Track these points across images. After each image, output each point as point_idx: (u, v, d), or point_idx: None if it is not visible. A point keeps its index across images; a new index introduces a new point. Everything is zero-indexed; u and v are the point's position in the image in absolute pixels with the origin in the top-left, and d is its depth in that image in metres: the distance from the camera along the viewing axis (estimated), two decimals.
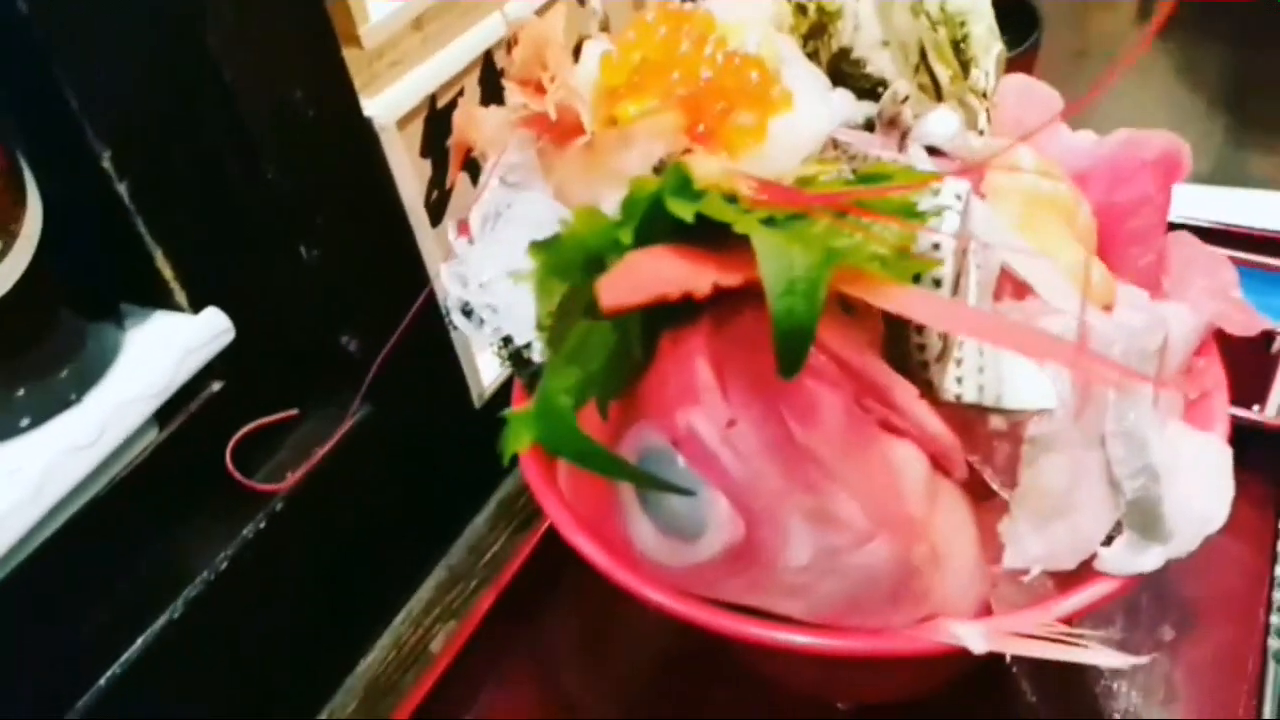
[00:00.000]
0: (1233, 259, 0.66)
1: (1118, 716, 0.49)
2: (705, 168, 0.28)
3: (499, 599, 0.56)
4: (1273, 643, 0.50)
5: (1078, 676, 0.51)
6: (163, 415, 0.45)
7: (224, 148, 0.44)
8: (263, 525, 0.49)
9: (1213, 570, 0.54)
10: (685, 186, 0.26)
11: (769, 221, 0.28)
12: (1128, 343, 0.37)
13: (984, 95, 0.44)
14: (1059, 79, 0.46)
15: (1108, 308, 0.38)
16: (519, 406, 0.38)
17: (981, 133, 0.43)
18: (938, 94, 0.43)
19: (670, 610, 0.37)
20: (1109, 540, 0.37)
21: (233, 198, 0.45)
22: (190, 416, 0.46)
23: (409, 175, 0.51)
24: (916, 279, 0.35)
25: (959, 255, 0.35)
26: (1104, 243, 0.41)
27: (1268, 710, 0.48)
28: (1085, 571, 0.37)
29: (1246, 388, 0.57)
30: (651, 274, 0.24)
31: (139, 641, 0.44)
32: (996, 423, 0.35)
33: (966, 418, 0.36)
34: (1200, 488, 0.37)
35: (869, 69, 0.43)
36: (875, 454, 0.32)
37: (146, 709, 0.44)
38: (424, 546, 0.61)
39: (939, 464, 0.35)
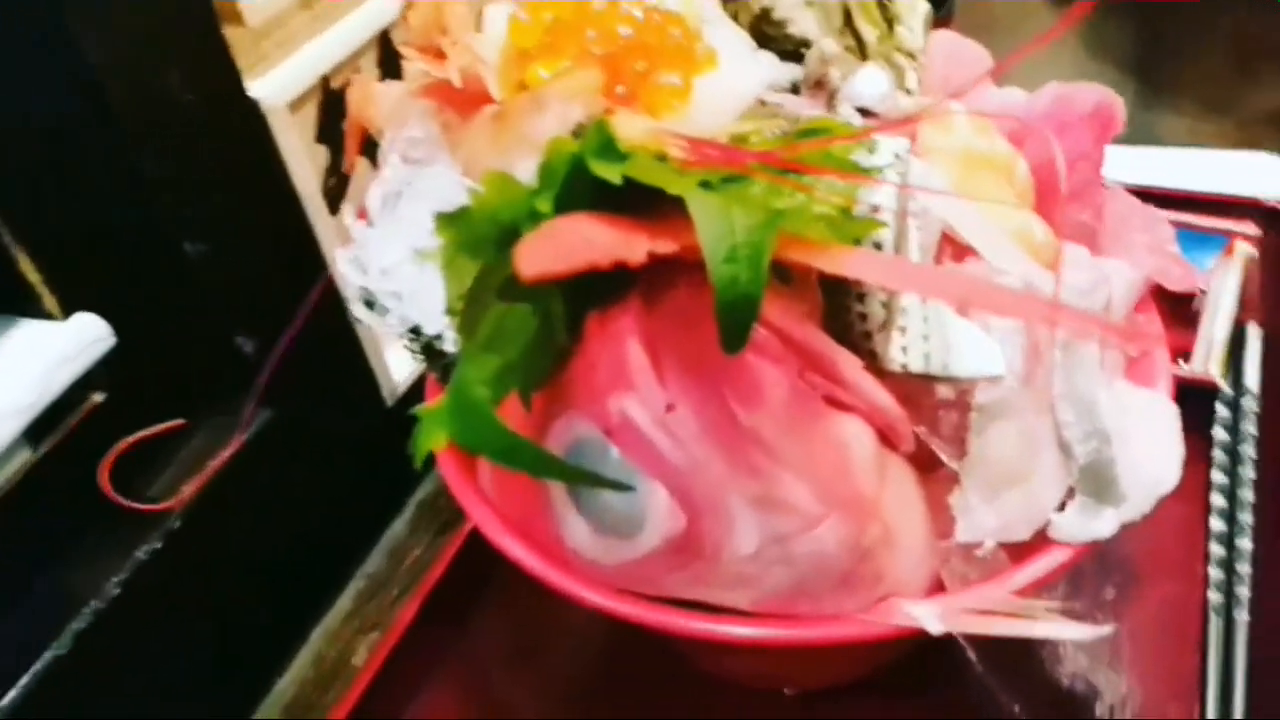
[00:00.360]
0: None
1: (1066, 680, 0.48)
2: (630, 127, 0.26)
3: (423, 606, 0.53)
4: (1212, 596, 0.49)
5: (1023, 642, 0.50)
6: (36, 433, 0.41)
7: (93, 137, 0.40)
8: (159, 545, 0.45)
9: (1150, 528, 0.53)
10: (609, 147, 0.24)
11: (703, 185, 0.25)
12: (1073, 302, 0.36)
13: (911, 55, 0.42)
14: None
15: (1051, 267, 0.37)
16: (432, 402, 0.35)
17: (910, 92, 0.42)
18: (863, 54, 0.41)
19: (611, 611, 0.35)
20: (1061, 507, 0.36)
21: (105, 192, 0.41)
22: (68, 433, 0.42)
23: (303, 161, 0.47)
24: (856, 244, 0.33)
25: (900, 217, 0.33)
26: (1042, 200, 0.39)
27: (1212, 664, 0.47)
28: (1039, 541, 0.36)
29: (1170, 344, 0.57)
30: (577, 240, 0.22)
31: (23, 681, 0.39)
32: (943, 392, 0.34)
33: (911, 388, 0.34)
34: (1150, 448, 0.36)
35: (792, 29, 0.41)
36: (822, 432, 0.30)
37: None
38: (340, 555, 0.57)
39: (885, 438, 0.34)
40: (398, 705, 0.51)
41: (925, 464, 0.36)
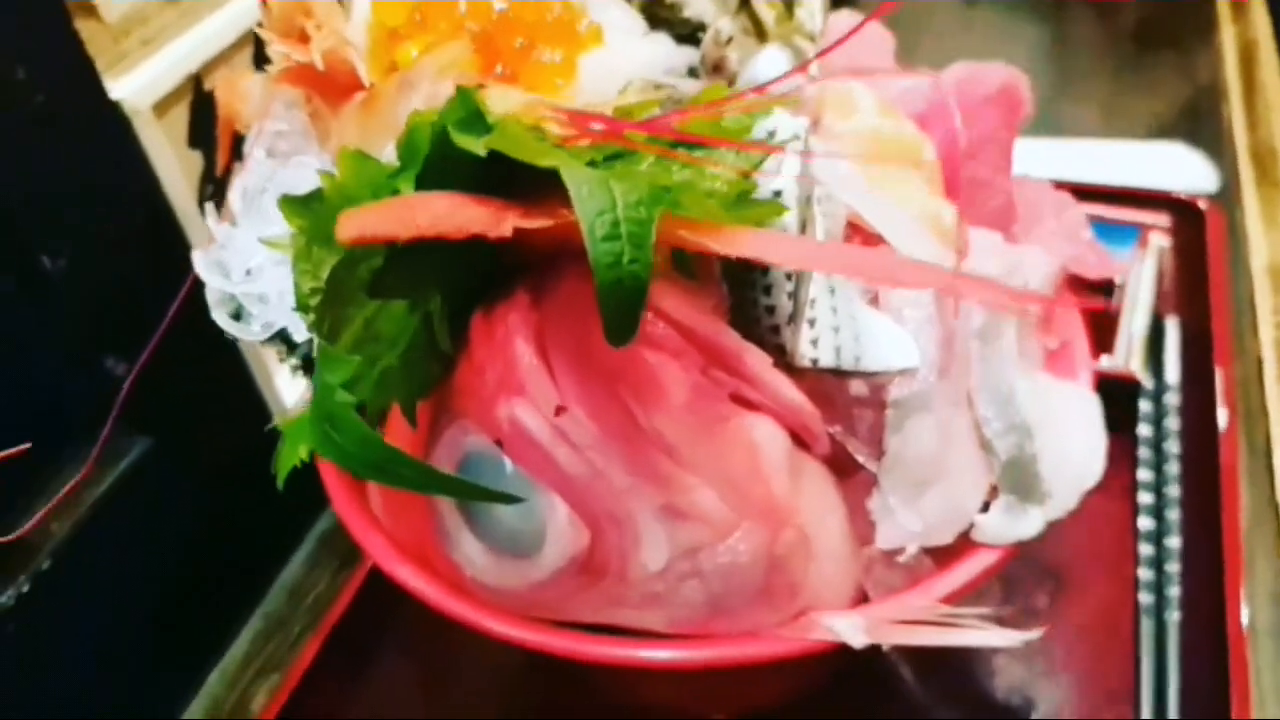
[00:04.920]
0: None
1: (1001, 689, 0.47)
2: (505, 101, 0.23)
3: (324, 646, 0.49)
4: (1143, 598, 0.48)
5: (958, 653, 0.48)
6: None
7: None
8: (26, 589, 0.41)
9: (1079, 530, 0.52)
10: (475, 118, 0.21)
11: (587, 164, 0.23)
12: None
13: (811, 37, 0.40)
14: None
15: (961, 254, 0.35)
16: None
17: (812, 75, 0.40)
18: (762, 37, 0.40)
19: (518, 641, 0.32)
20: (985, 508, 0.34)
21: None
22: None
23: (173, 167, 0.44)
24: None
25: (803, 203, 0.31)
26: (950, 186, 0.38)
27: (1145, 667, 0.46)
28: (963, 545, 0.34)
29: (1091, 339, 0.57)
30: (426, 210, 0.19)
31: None
32: (857, 388, 0.32)
33: (824, 386, 0.32)
34: (1073, 441, 0.35)
35: (687, 12, 0.39)
36: (730, 433, 0.28)
37: None
38: (236, 594, 0.53)
39: (799, 439, 0.31)
40: None
41: (844, 467, 0.34)
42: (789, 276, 0.31)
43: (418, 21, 0.29)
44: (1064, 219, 0.40)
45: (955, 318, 0.33)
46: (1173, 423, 0.54)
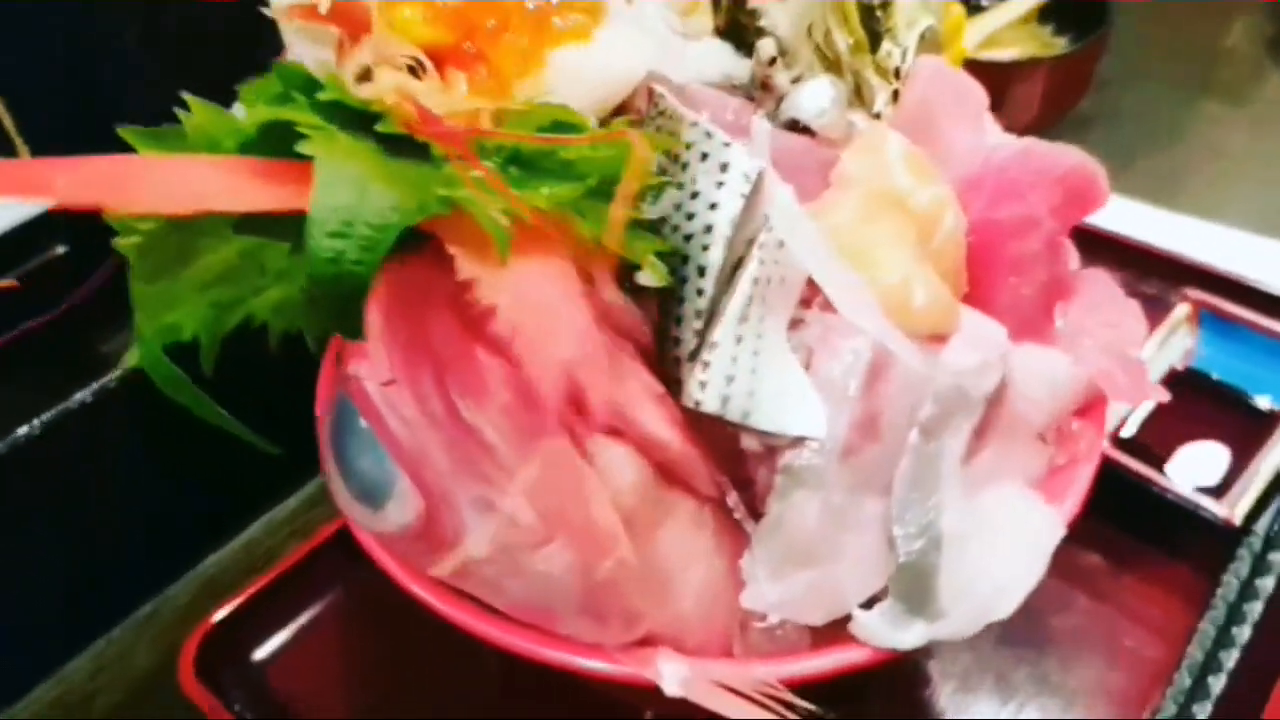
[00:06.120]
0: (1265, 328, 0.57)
1: None
2: (384, 82, 0.24)
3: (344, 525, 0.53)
4: None
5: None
6: None
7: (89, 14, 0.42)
8: (89, 400, 0.47)
9: (1111, 658, 0.48)
10: (300, 92, 0.22)
11: (433, 160, 0.24)
12: (949, 382, 0.32)
13: (895, 74, 0.38)
14: (1127, 102, 0.39)
15: (939, 338, 0.32)
16: None
17: (878, 115, 0.38)
18: (834, 65, 0.38)
19: (385, 570, 0.34)
20: (873, 602, 0.32)
21: (85, 52, 0.43)
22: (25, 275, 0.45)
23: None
24: (685, 260, 0.30)
25: (737, 244, 0.30)
26: (977, 265, 0.35)
27: None
28: (840, 633, 0.32)
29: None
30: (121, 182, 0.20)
31: None
32: (749, 442, 0.30)
33: (721, 432, 0.31)
34: (996, 568, 0.32)
35: (763, 22, 0.38)
36: (560, 449, 0.28)
37: None
38: (301, 456, 0.58)
39: (675, 476, 0.31)
40: (281, 614, 0.51)
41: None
42: (698, 314, 0.30)
43: None
44: (1120, 330, 0.36)
45: (884, 400, 0.31)
46: (1266, 583, 0.47)
